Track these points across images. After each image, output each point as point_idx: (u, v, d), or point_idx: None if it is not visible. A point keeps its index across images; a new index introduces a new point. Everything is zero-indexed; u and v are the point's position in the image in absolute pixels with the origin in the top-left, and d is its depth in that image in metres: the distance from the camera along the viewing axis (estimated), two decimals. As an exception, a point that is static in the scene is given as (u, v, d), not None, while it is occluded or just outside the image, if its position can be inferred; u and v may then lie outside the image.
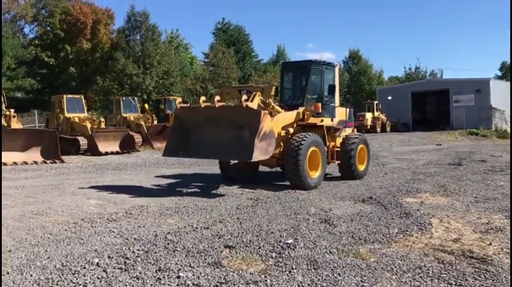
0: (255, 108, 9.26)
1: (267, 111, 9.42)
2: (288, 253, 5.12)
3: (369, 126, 41.27)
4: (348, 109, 12.23)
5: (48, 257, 4.92)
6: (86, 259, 4.85)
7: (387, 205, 7.87)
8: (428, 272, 4.55)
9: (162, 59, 43.96)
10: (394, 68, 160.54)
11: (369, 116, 41.95)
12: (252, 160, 8.65)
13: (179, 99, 10.88)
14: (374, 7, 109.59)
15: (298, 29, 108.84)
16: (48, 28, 53.07)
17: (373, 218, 6.89)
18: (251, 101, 9.46)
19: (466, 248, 5.31)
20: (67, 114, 21.93)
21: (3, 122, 17.64)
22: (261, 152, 8.70)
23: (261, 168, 11.51)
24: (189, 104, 21.35)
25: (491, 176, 11.84)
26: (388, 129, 41.77)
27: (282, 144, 10.14)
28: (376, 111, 42.67)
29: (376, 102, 44.02)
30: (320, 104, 10.69)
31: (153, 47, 43.95)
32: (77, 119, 21.74)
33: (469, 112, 41.29)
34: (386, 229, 6.27)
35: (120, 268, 4.61)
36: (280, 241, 5.56)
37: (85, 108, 23.15)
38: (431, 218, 6.91)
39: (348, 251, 5.23)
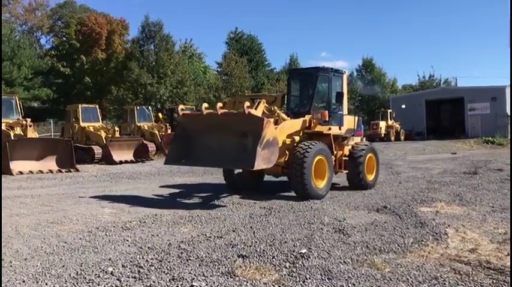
0: (258, 115, 9.04)
1: (272, 119, 9.28)
2: (302, 262, 5.08)
3: (382, 135, 41.13)
4: (356, 117, 11.97)
5: (63, 266, 4.95)
6: (100, 268, 4.87)
7: (402, 215, 7.79)
8: (444, 283, 4.48)
9: (176, 68, 44.38)
10: (408, 76, 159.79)
11: (382, 124, 41.79)
12: (254, 169, 8.38)
13: (181, 106, 10.46)
14: (387, 16, 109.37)
15: (311, 38, 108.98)
16: (64, 39, 54.06)
17: (387, 228, 6.82)
18: (255, 108, 9.26)
19: (483, 259, 5.22)
20: (82, 124, 22.20)
21: (20, 131, 17.88)
22: (264, 160, 8.43)
23: (267, 177, 11.39)
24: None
25: (508, 185, 11.65)
26: (402, 138, 41.56)
27: (287, 152, 9.88)
28: (390, 119, 42.47)
29: (389, 110, 43.82)
30: (327, 111, 10.46)
31: (167, 57, 44.40)
32: (91, 128, 22.00)
33: (485, 120, 40.89)
34: (401, 238, 6.20)
35: (134, 277, 4.62)
36: (293, 251, 5.52)
37: (100, 118, 23.42)
38: (447, 228, 6.82)
39: (362, 261, 5.18)
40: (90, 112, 23.09)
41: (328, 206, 8.80)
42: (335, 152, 10.78)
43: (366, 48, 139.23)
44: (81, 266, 4.94)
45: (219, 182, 12.79)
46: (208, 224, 7.15)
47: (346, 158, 11.11)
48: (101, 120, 23.42)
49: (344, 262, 5.14)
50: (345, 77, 11.65)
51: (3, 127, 18.11)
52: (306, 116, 10.39)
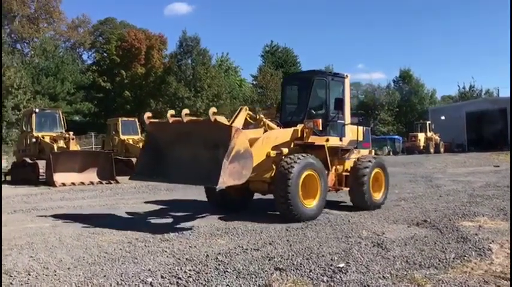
0: (225, 122, 7.92)
1: (261, 130, 8.65)
2: (340, 277, 5.02)
3: (421, 147, 40.42)
4: (363, 128, 10.81)
5: (104, 276, 5.06)
6: (140, 278, 4.96)
7: (443, 229, 7.57)
8: (489, 301, 4.33)
9: (213, 82, 45.08)
10: (448, 87, 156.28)
11: (421, 136, 41.09)
12: (218, 186, 7.23)
13: (148, 114, 8.92)
14: (426, 26, 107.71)
15: (348, 49, 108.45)
16: (105, 54, 55.81)
17: (428, 243, 6.64)
18: (235, 116, 8.35)
19: (530, 276, 5.01)
20: (122, 137, 22.78)
21: (63, 144, 18.49)
22: (232, 175, 7.34)
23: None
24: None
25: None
26: (441, 150, 40.65)
27: (274, 167, 8.71)
28: (429, 131, 41.63)
29: (428, 122, 42.98)
30: (320, 120, 9.27)
31: (203, 71, 45.19)
32: (131, 141, 22.53)
33: (530, 132, 39.42)
34: (442, 253, 6.03)
35: (173, 288, 4.68)
36: (331, 265, 5.46)
37: (139, 131, 23.95)
38: (491, 243, 6.59)
39: (402, 276, 5.06)
40: (129, 125, 23.67)
41: (366, 219, 8.66)
42: (334, 167, 9.85)
43: (403, 59, 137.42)
44: (122, 276, 5.04)
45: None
46: (245, 237, 7.16)
47: (348, 174, 10.03)
48: (140, 133, 23.94)
49: (383, 277, 5.04)
50: (346, 81, 10.45)
51: (48, 140, 18.82)
52: (298, 125, 9.37)
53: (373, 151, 11.76)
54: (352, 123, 10.49)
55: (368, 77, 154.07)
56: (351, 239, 6.87)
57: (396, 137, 46.40)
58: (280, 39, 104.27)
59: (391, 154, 41.06)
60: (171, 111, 8.43)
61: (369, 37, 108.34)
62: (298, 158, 8.45)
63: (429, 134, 41.48)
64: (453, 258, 5.80)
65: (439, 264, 5.54)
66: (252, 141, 8.27)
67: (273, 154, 8.65)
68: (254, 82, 54.41)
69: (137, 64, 52.28)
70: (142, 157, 8.94)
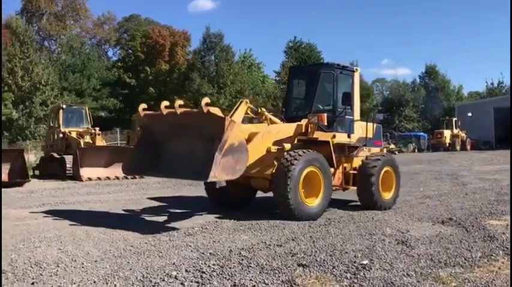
0: (218, 114, 7.36)
1: (264, 124, 8.48)
2: (364, 274, 5.00)
3: (447, 144, 39.83)
4: (373, 124, 10.28)
5: (130, 269, 5.16)
6: (164, 272, 5.03)
7: (469, 227, 7.45)
8: (516, 301, 4.25)
9: (235, 78, 45.28)
10: (475, 83, 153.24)
11: (447, 133, 40.46)
12: (209, 180, 6.96)
13: (143, 106, 8.46)
14: (452, 21, 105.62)
15: (372, 45, 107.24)
16: (130, 51, 56.50)
17: (453, 241, 6.55)
18: (235, 110, 8.01)
19: (559, 277, 4.90)
20: (146, 132, 23.03)
21: (89, 140, 18.85)
22: (225, 170, 6.96)
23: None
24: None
25: None
26: (468, 147, 39.92)
27: (275, 163, 8.25)
28: (455, 128, 40.91)
29: (455, 119, 42.24)
30: (325, 114, 8.98)
31: (226, 67, 45.42)
32: (155, 137, 22.76)
33: (562, 129, 38.35)
34: (468, 252, 5.94)
35: (197, 282, 4.73)
36: (355, 262, 5.44)
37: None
38: (518, 242, 6.46)
39: (426, 274, 5.01)
40: (154, 121, 23.90)
41: (391, 217, 8.58)
42: (341, 165, 9.47)
43: (429, 55, 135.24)
44: (147, 269, 5.13)
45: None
46: (268, 232, 7.19)
47: (355, 172, 9.55)
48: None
49: (407, 274, 5.00)
50: (356, 75, 10.04)
51: (74, 135, 19.21)
52: (303, 120, 8.99)
53: (385, 149, 11.28)
54: (362, 120, 10.18)
55: (393, 72, 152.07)
56: (374, 237, 6.83)
57: (421, 134, 45.80)
58: (304, 35, 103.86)
59: (416, 151, 40.59)
60: (165, 103, 7.97)
61: (394, 32, 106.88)
62: (300, 154, 8.04)
63: (455, 131, 40.78)
64: (479, 257, 5.71)
65: (464, 263, 5.46)
66: (252, 136, 8.18)
67: (274, 149, 8.25)
68: (277, 78, 54.32)
69: (161, 61, 52.79)
70: (136, 151, 8.69)
